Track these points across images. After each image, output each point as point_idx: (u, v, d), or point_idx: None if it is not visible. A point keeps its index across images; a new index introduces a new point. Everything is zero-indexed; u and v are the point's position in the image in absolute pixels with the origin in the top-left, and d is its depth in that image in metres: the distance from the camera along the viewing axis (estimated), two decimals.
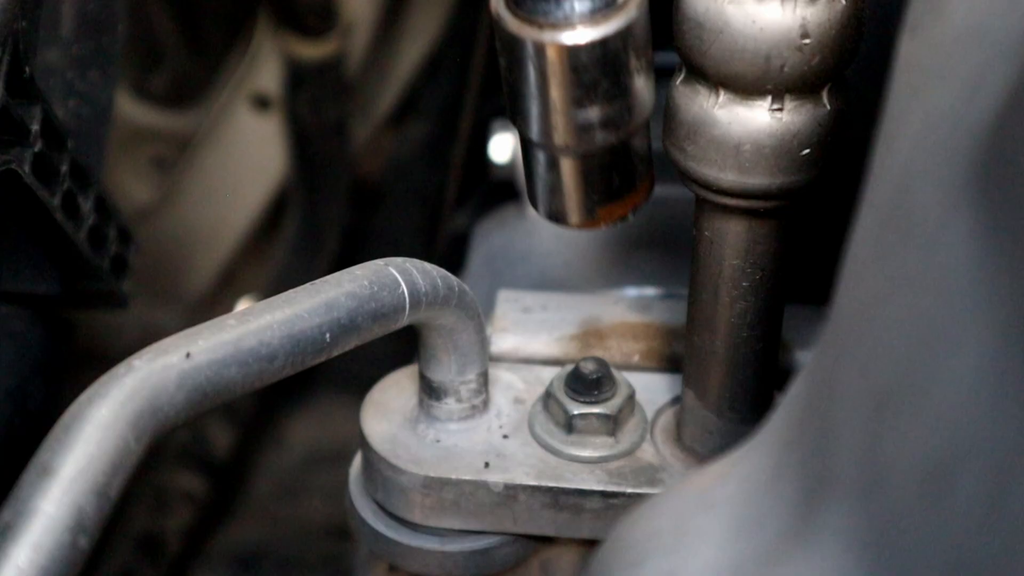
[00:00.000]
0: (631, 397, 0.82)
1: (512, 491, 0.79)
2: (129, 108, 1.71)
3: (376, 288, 0.70)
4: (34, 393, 0.96)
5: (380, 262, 0.72)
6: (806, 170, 0.66)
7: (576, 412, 0.80)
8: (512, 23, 0.62)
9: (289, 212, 1.85)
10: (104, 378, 0.59)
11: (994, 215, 0.41)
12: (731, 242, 0.70)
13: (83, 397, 0.58)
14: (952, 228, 0.42)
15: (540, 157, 0.69)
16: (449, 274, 0.75)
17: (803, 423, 0.51)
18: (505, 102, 0.67)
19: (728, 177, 0.66)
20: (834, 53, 0.62)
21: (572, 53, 0.62)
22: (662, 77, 0.68)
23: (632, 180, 0.69)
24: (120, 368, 0.60)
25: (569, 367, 0.82)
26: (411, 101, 1.90)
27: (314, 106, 1.75)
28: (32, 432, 0.92)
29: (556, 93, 0.64)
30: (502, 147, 1.11)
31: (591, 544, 0.82)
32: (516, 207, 1.12)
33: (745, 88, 0.63)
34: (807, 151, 0.65)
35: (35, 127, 0.79)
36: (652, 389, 0.84)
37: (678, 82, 0.66)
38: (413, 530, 0.82)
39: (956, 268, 0.42)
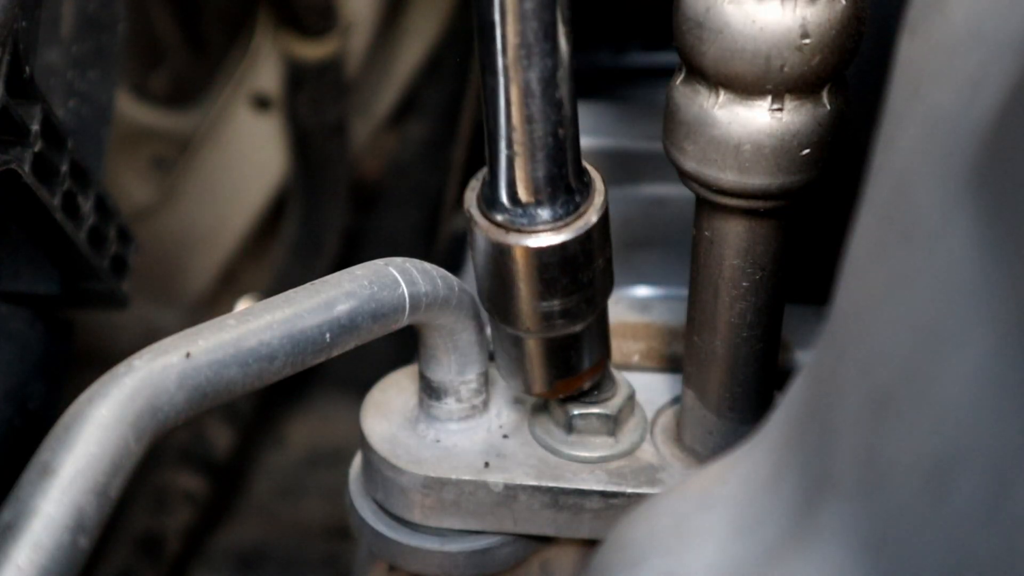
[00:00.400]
0: (631, 397, 0.82)
1: (512, 491, 0.79)
2: (129, 108, 1.71)
3: (376, 288, 0.70)
4: (34, 393, 0.96)
5: (380, 262, 0.72)
6: (806, 170, 0.66)
7: (576, 412, 0.80)
8: (483, 224, 0.70)
9: (289, 212, 1.85)
10: (104, 378, 0.59)
11: (994, 215, 0.41)
12: (731, 242, 0.70)
13: (83, 397, 0.58)
14: (952, 228, 0.42)
15: (507, 337, 0.76)
16: (449, 274, 0.75)
17: (803, 423, 0.51)
18: (477, 288, 0.74)
19: (728, 177, 0.66)
20: (834, 53, 0.62)
21: (535, 255, 0.68)
22: (662, 77, 0.68)
23: (590, 358, 0.77)
24: (120, 368, 0.60)
25: None
26: (411, 101, 1.90)
27: (314, 106, 1.75)
28: (32, 432, 0.92)
29: (521, 287, 0.71)
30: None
31: (591, 544, 0.82)
32: None
33: (745, 88, 0.63)
34: (807, 151, 0.65)
35: (35, 127, 0.79)
36: (652, 389, 0.84)
37: (678, 82, 0.67)
38: (413, 530, 0.82)
39: (956, 268, 0.42)
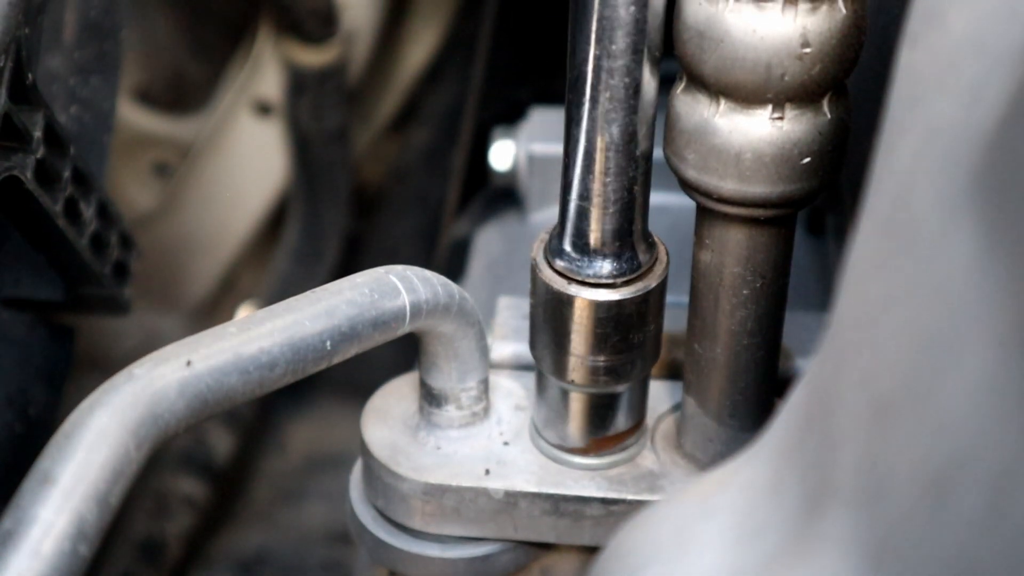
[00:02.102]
0: None
1: (512, 498, 0.79)
2: (131, 114, 1.71)
3: (377, 296, 0.70)
4: (36, 399, 0.96)
5: (381, 270, 0.72)
6: (806, 178, 0.66)
7: None
8: (546, 272, 0.73)
9: (290, 218, 1.85)
10: (105, 386, 0.59)
11: (994, 224, 0.41)
12: (732, 250, 0.70)
13: (84, 405, 0.58)
14: (953, 237, 0.42)
15: (550, 388, 0.78)
16: (449, 281, 0.75)
17: (804, 431, 0.51)
18: (530, 338, 0.77)
19: (729, 185, 0.66)
20: (834, 62, 0.62)
21: (591, 307, 0.72)
22: (664, 86, 0.68)
23: (629, 419, 0.79)
24: (120, 376, 0.60)
25: None
26: (412, 108, 1.90)
27: (315, 113, 1.75)
28: (34, 438, 0.92)
29: (573, 338, 0.74)
30: (503, 154, 1.12)
31: (591, 551, 0.82)
32: (517, 214, 1.12)
33: (746, 97, 0.63)
34: (808, 160, 0.65)
35: (37, 133, 0.79)
36: (653, 396, 0.84)
37: (679, 91, 0.67)
38: (414, 537, 0.82)
39: (957, 277, 0.42)
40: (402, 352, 0.96)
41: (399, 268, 0.72)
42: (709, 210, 0.69)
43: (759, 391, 0.76)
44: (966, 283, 0.41)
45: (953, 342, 0.42)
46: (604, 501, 0.79)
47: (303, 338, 0.66)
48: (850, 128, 0.66)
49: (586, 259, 0.72)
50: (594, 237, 0.71)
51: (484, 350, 0.79)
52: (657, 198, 0.78)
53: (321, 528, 1.77)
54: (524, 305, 0.93)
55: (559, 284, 0.73)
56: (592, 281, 0.72)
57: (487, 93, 1.34)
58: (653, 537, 0.56)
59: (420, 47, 1.86)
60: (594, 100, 0.66)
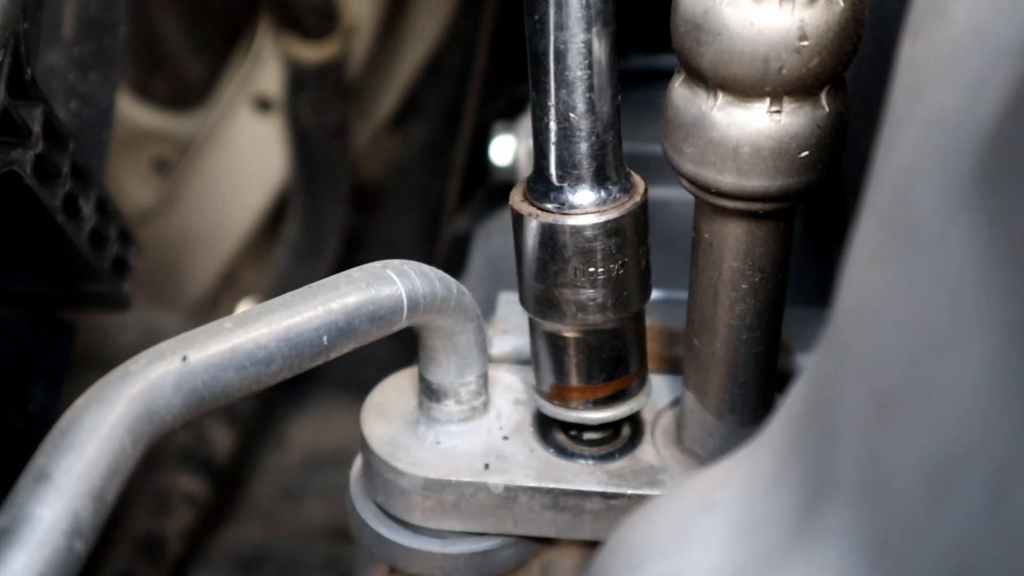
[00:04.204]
0: None
1: (512, 492, 0.79)
2: (130, 110, 1.71)
3: (373, 291, 0.69)
4: (35, 394, 0.96)
5: (378, 264, 0.71)
6: (805, 172, 0.66)
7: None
8: (513, 199, 0.74)
9: (290, 214, 1.85)
10: (101, 383, 0.59)
11: (996, 218, 0.41)
12: (730, 244, 0.70)
13: (80, 402, 0.58)
14: (954, 231, 0.42)
15: (532, 328, 0.79)
16: (448, 276, 0.75)
17: (804, 426, 0.51)
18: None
19: (727, 179, 0.66)
20: (832, 55, 0.62)
21: (545, 230, 0.72)
22: (663, 79, 0.68)
23: (587, 374, 0.78)
24: (116, 373, 0.60)
25: None
26: (412, 104, 1.90)
27: (315, 108, 1.75)
28: (33, 433, 0.92)
29: (528, 263, 0.74)
30: (503, 150, 1.12)
31: (592, 546, 0.82)
32: None
33: (743, 90, 0.63)
34: (806, 153, 0.65)
35: (37, 128, 0.79)
36: (653, 391, 0.84)
37: (676, 84, 0.66)
38: (414, 532, 0.82)
39: (958, 270, 0.42)
40: (401, 348, 0.96)
41: (396, 262, 0.72)
42: (708, 204, 0.69)
43: (759, 386, 0.76)
44: (967, 276, 0.41)
45: (954, 336, 0.42)
46: (604, 495, 0.79)
47: (299, 333, 0.66)
48: (848, 121, 0.66)
49: (546, 187, 0.72)
50: (560, 165, 0.71)
51: (483, 344, 0.79)
52: (656, 193, 0.78)
53: (321, 524, 1.77)
54: None
55: (520, 207, 0.73)
56: (552, 208, 0.72)
57: (487, 88, 1.34)
58: (654, 532, 0.56)
59: (420, 43, 1.86)
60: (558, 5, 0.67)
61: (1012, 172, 0.40)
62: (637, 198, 0.73)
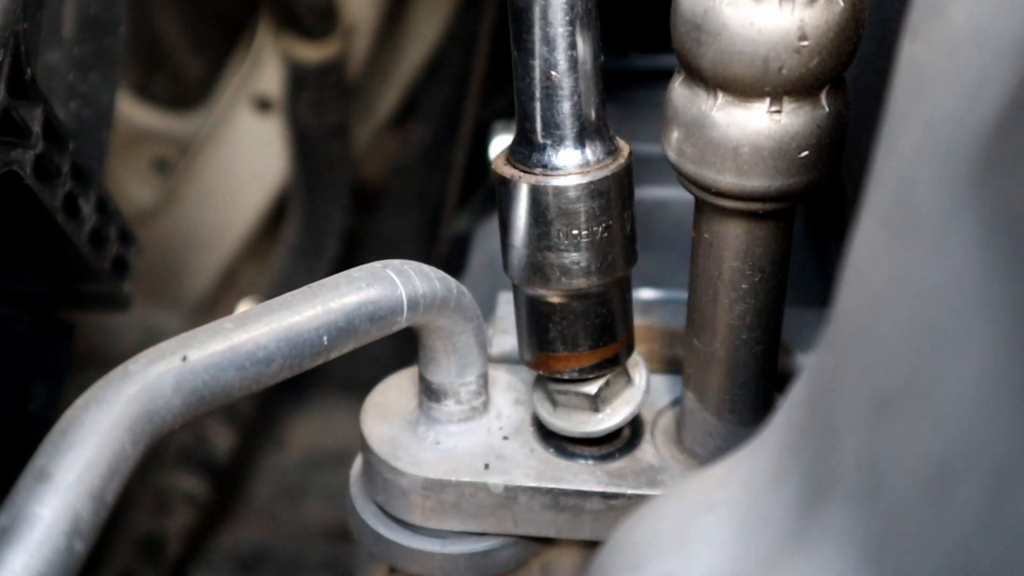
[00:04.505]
0: (621, 373, 0.80)
1: (512, 492, 0.79)
2: (130, 110, 1.71)
3: (373, 291, 0.69)
4: (35, 394, 0.96)
5: (377, 264, 0.71)
6: (805, 172, 0.66)
7: (558, 388, 0.79)
8: (496, 163, 0.74)
9: (290, 214, 1.85)
10: (100, 383, 0.59)
11: (996, 217, 0.41)
12: (730, 244, 0.70)
13: (79, 402, 0.58)
14: (954, 230, 0.42)
15: (516, 292, 0.78)
16: (448, 276, 0.75)
17: (804, 426, 0.51)
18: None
19: (727, 179, 0.66)
20: (832, 55, 0.62)
21: (531, 192, 0.71)
22: (663, 79, 0.68)
23: (572, 341, 0.77)
24: (116, 373, 0.60)
25: None
26: (412, 104, 1.90)
27: (315, 108, 1.75)
28: (33, 433, 0.92)
29: (514, 228, 0.73)
30: (502, 149, 1.11)
31: (592, 546, 0.82)
32: None
33: (743, 90, 0.63)
34: (806, 153, 0.65)
35: (36, 128, 0.79)
36: (653, 391, 0.84)
37: (676, 84, 0.66)
38: (414, 532, 0.82)
39: (958, 270, 0.42)
40: (402, 348, 0.96)
41: (396, 262, 0.72)
42: (707, 204, 0.69)
43: (759, 386, 0.76)
44: (967, 276, 0.41)
45: (954, 335, 0.42)
46: (604, 495, 0.79)
47: (299, 333, 0.66)
48: (848, 121, 0.66)
49: (529, 149, 0.72)
50: (543, 127, 0.71)
51: (483, 345, 0.79)
52: (656, 193, 0.78)
53: (321, 524, 1.78)
54: None
55: (503, 171, 0.73)
56: (537, 170, 0.72)
57: (487, 88, 1.34)
58: (654, 531, 0.56)
59: (420, 42, 1.86)
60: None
61: (1012, 172, 0.40)
62: (621, 160, 0.72)
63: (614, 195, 0.72)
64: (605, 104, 0.72)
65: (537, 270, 0.74)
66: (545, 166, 0.71)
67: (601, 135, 0.72)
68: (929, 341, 0.43)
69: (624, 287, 0.77)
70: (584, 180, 0.71)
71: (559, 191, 0.71)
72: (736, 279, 0.71)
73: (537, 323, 0.77)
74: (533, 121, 0.71)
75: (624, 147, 0.74)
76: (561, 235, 0.72)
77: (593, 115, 0.71)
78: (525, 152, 0.72)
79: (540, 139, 0.71)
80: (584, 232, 0.72)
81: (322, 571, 1.72)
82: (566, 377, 0.79)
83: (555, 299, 0.75)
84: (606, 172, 0.71)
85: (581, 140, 0.71)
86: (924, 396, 0.43)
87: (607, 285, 0.75)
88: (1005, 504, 0.39)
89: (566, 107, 0.70)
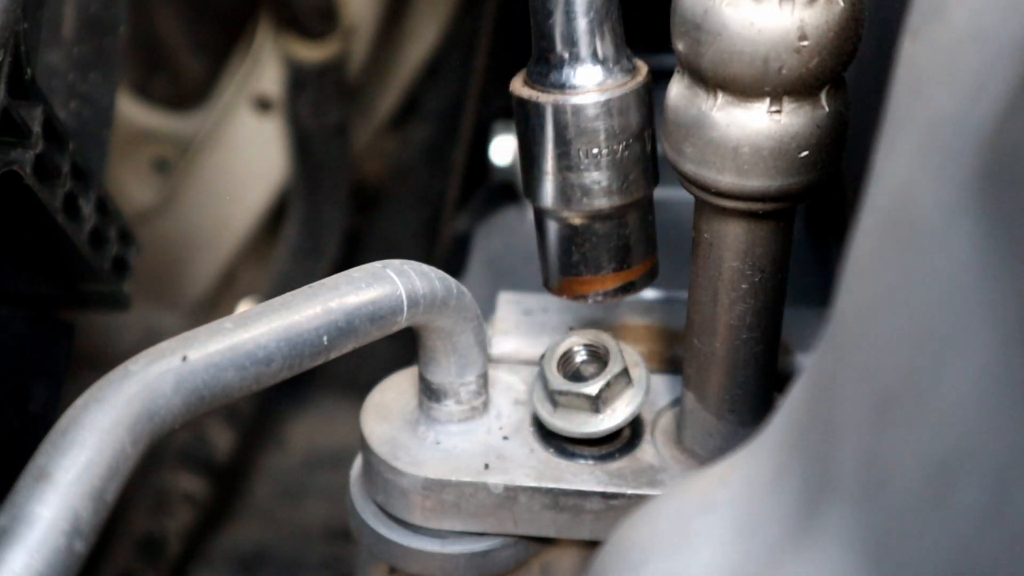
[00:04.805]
0: (622, 373, 0.80)
1: (512, 492, 0.79)
2: (130, 110, 1.71)
3: (373, 291, 0.69)
4: (35, 394, 0.96)
5: (378, 264, 0.71)
6: (805, 172, 0.66)
7: (559, 388, 0.79)
8: (514, 86, 0.73)
9: (290, 214, 1.85)
10: (100, 383, 0.59)
11: (996, 218, 0.41)
12: (730, 244, 0.70)
13: (79, 402, 0.58)
14: (954, 231, 0.42)
15: (536, 218, 0.76)
16: (447, 276, 0.75)
17: (804, 426, 0.51)
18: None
19: (727, 179, 0.66)
20: (832, 55, 0.62)
21: (555, 111, 0.71)
22: (665, 79, 0.68)
23: (596, 264, 0.76)
24: (116, 372, 0.60)
25: (563, 347, 0.81)
26: (412, 104, 1.90)
27: (315, 108, 1.75)
28: (33, 433, 0.92)
29: (537, 148, 0.72)
30: (503, 150, 1.12)
31: (592, 546, 0.82)
32: (517, 209, 1.12)
33: (743, 90, 0.63)
34: (805, 153, 0.65)
35: (37, 128, 0.79)
36: (653, 391, 0.84)
37: (676, 84, 0.67)
38: (414, 532, 0.82)
39: (958, 271, 0.42)
40: (402, 348, 0.96)
41: (396, 262, 0.72)
42: (708, 204, 0.69)
43: (758, 386, 0.76)
44: (967, 276, 0.41)
45: (954, 336, 0.42)
46: (604, 495, 0.79)
47: (299, 333, 0.66)
48: (848, 121, 0.66)
49: (547, 68, 0.71)
50: (560, 44, 0.70)
51: (483, 344, 0.79)
52: (656, 193, 0.78)
53: (321, 525, 1.77)
54: (525, 300, 0.93)
55: (521, 92, 0.72)
56: (555, 90, 0.71)
57: (487, 88, 1.34)
58: (654, 531, 0.56)
59: (420, 42, 1.86)
60: None
61: (1012, 172, 0.40)
62: (640, 78, 0.72)
63: (633, 113, 0.72)
64: (622, 22, 0.71)
65: (558, 192, 0.73)
66: (563, 85, 0.70)
67: (619, 52, 0.71)
68: (929, 341, 0.43)
69: (646, 208, 0.77)
70: (603, 98, 0.70)
71: (578, 109, 0.70)
72: (736, 279, 0.71)
73: (560, 247, 0.76)
74: (551, 39, 0.70)
75: (642, 66, 0.73)
76: (581, 154, 0.72)
77: (610, 32, 0.70)
78: (542, 72, 0.71)
79: (556, 59, 0.70)
80: (604, 151, 0.72)
81: (322, 571, 1.72)
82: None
83: (577, 221, 0.74)
84: (625, 90, 0.71)
85: (598, 58, 0.70)
86: (924, 396, 0.43)
87: (629, 205, 0.74)
88: (1005, 504, 0.39)
89: (583, 25, 0.69)
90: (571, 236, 0.75)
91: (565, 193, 0.73)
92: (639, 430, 0.83)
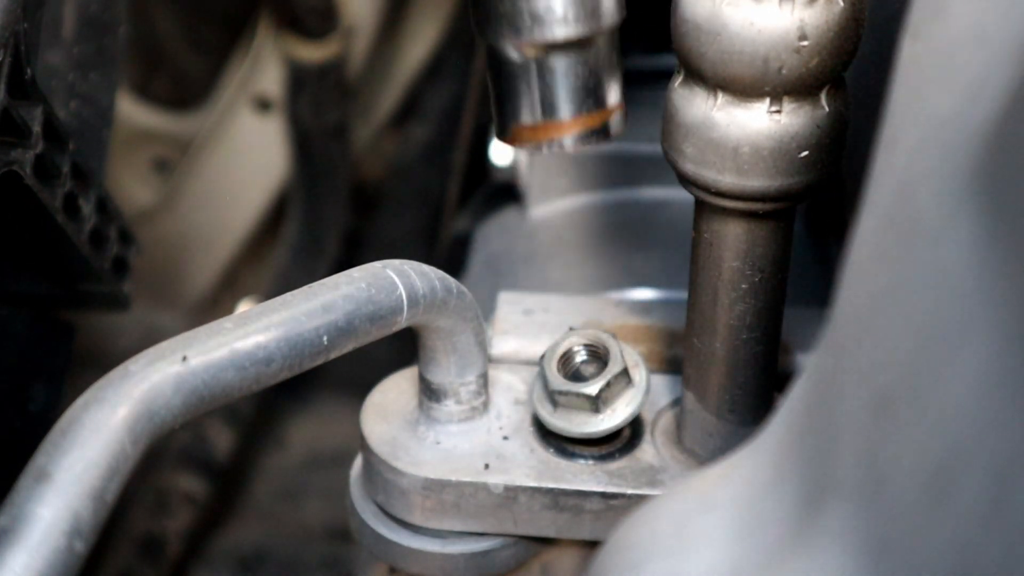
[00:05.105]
0: (622, 374, 0.80)
1: (512, 492, 0.79)
2: (130, 110, 1.71)
3: (373, 291, 0.69)
4: (35, 394, 0.96)
5: (377, 264, 0.71)
6: (805, 172, 0.66)
7: (559, 388, 0.79)
8: None
9: (290, 214, 1.85)
10: (100, 382, 0.59)
11: (996, 218, 0.41)
12: (730, 244, 0.70)
13: (79, 402, 0.58)
14: (954, 231, 0.42)
15: (490, 54, 0.68)
16: (447, 276, 0.75)
17: (804, 426, 0.51)
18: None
19: (727, 179, 0.66)
20: (832, 55, 0.62)
21: None
22: (664, 80, 0.68)
23: (551, 107, 0.68)
24: (116, 373, 0.60)
25: (563, 347, 0.81)
26: (412, 103, 1.90)
27: (315, 108, 1.75)
28: (33, 433, 0.92)
29: None
30: (503, 150, 1.11)
31: (592, 546, 0.82)
32: (517, 210, 1.12)
33: (743, 90, 0.63)
34: (805, 153, 0.65)
35: (37, 128, 0.79)
36: (653, 391, 0.84)
37: (676, 84, 0.66)
38: (414, 532, 0.82)
39: (958, 271, 0.42)
40: (402, 348, 0.96)
41: (396, 263, 0.72)
42: (707, 204, 0.69)
43: (758, 386, 0.76)
44: (967, 276, 0.41)
45: (954, 335, 0.42)
46: (604, 495, 0.79)
47: (299, 333, 0.66)
48: (848, 121, 0.66)
49: None
50: None
51: (483, 344, 0.79)
52: (656, 193, 0.78)
53: (321, 525, 1.78)
54: (525, 300, 0.93)
55: None
56: None
57: (487, 89, 1.34)
58: (654, 531, 0.56)
59: (420, 42, 1.86)
60: None
61: (1012, 172, 0.40)
62: None
63: None
64: None
65: (505, 19, 0.65)
66: None
67: None
68: (929, 341, 0.43)
69: (611, 43, 0.68)
70: None
71: None
72: (736, 279, 0.71)
73: (510, 87, 0.68)
74: None
75: None
76: None
77: None
78: None
79: None
80: None
81: (322, 571, 1.72)
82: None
83: (530, 53, 0.66)
84: None
85: None
86: (924, 396, 0.43)
87: (589, 38, 0.66)
88: (1005, 503, 0.39)
89: None
90: (522, 74, 0.67)
91: (513, 21, 0.65)
92: (639, 430, 0.83)
